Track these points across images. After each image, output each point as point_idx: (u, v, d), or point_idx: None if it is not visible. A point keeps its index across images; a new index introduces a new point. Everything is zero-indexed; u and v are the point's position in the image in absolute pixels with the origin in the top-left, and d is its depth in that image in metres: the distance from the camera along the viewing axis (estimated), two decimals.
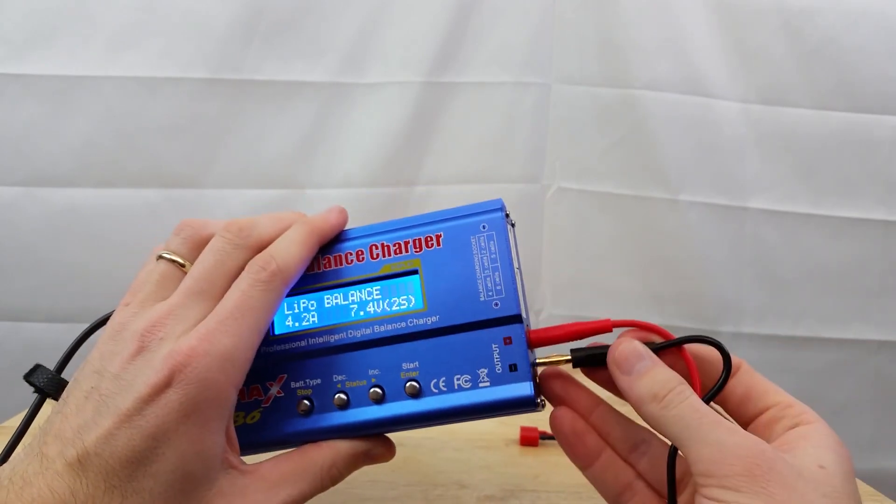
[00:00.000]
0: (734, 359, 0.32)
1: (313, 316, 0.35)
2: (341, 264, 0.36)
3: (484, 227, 0.36)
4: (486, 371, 0.33)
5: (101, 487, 0.26)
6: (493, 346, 0.34)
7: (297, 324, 0.35)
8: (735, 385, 0.32)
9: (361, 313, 0.35)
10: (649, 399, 0.30)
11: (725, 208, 0.78)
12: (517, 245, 0.37)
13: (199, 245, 0.32)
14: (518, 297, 0.34)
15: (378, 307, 0.35)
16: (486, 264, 0.35)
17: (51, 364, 0.35)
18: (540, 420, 0.55)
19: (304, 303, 0.36)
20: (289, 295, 0.35)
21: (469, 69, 0.76)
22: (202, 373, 0.28)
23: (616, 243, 0.80)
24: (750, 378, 0.32)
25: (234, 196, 0.76)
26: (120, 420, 0.27)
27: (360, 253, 0.36)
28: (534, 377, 0.34)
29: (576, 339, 0.35)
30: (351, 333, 0.35)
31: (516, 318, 0.34)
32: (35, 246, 0.75)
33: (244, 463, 0.31)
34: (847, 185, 0.77)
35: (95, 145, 0.74)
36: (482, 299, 0.34)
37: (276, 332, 0.35)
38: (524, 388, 0.33)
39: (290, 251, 0.33)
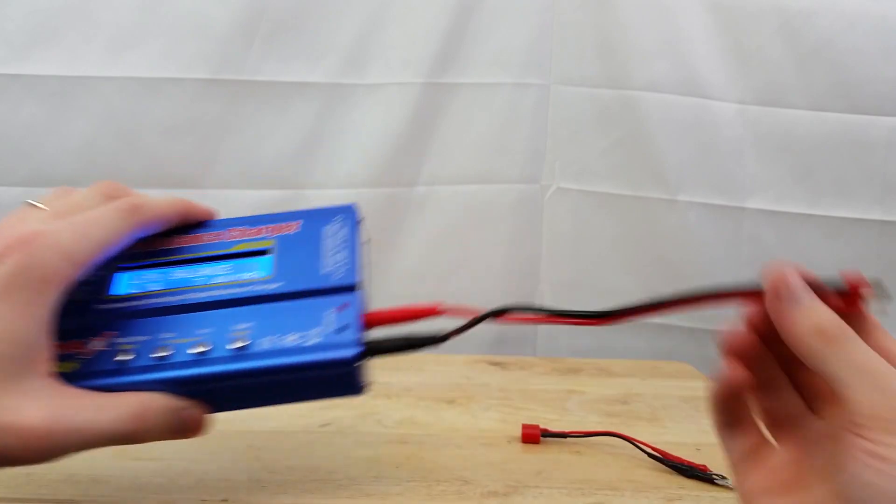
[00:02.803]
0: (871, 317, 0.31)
1: (158, 284, 0.36)
2: (197, 242, 0.38)
3: (338, 220, 0.39)
4: (316, 331, 0.34)
5: None
6: (329, 310, 0.35)
7: (138, 289, 0.36)
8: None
9: (204, 280, 0.36)
10: (814, 333, 0.29)
11: (723, 208, 0.78)
12: (368, 256, 0.40)
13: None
14: (358, 273, 0.37)
15: (224, 277, 0.37)
16: (333, 246, 0.38)
17: None
18: (540, 419, 0.56)
19: (151, 276, 0.37)
20: (138, 268, 0.37)
21: (469, 70, 0.77)
22: (37, 252, 0.30)
23: (615, 243, 0.81)
24: (889, 343, 0.31)
25: (234, 196, 0.76)
26: None
27: (217, 235, 0.39)
28: (363, 347, 0.34)
29: (408, 321, 0.37)
30: (191, 296, 0.36)
31: (353, 288, 0.36)
32: None
33: (58, 377, 0.31)
34: (844, 186, 0.77)
35: (96, 146, 0.74)
36: (324, 272, 0.37)
37: (116, 292, 0.36)
38: (349, 350, 0.34)
39: (155, 201, 0.36)
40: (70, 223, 0.32)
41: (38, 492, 0.40)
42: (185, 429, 0.33)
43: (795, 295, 0.31)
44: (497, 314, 0.35)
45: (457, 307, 0.36)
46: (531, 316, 0.35)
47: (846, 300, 0.31)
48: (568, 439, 0.53)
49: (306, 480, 0.44)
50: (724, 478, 0.48)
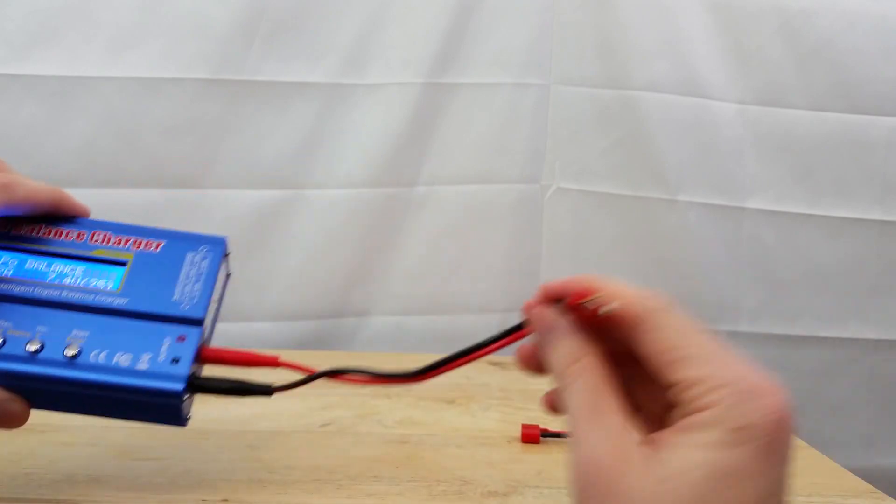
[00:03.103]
0: (631, 310, 0.27)
1: (9, 269, 0.36)
2: (59, 236, 0.38)
3: (203, 250, 0.39)
4: (149, 357, 0.35)
5: None
6: (167, 338, 0.35)
7: None
8: (643, 351, 0.27)
9: (55, 278, 0.36)
10: (556, 375, 0.29)
11: (723, 208, 0.78)
12: (224, 289, 0.40)
13: None
14: (206, 308, 0.37)
15: (75, 278, 0.37)
16: (190, 275, 0.38)
17: None
18: (540, 419, 0.56)
19: (5, 258, 0.37)
20: None
21: (469, 70, 0.77)
22: None
23: (615, 243, 0.81)
24: (659, 343, 0.27)
25: (234, 196, 0.76)
26: None
27: (81, 234, 0.38)
28: (190, 382, 0.35)
29: (244, 366, 0.37)
30: (38, 290, 0.36)
31: (197, 322, 0.36)
32: None
33: None
34: (844, 186, 0.77)
35: (96, 146, 0.73)
36: (174, 299, 0.37)
37: None
38: (176, 383, 0.34)
39: (29, 184, 0.36)
40: None
41: (38, 492, 0.40)
42: (5, 421, 0.34)
43: (543, 335, 0.30)
44: (330, 374, 0.36)
45: (294, 363, 0.37)
46: (360, 378, 0.36)
47: (583, 312, 0.29)
48: (568, 439, 0.53)
49: (306, 480, 0.44)
50: None
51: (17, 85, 0.72)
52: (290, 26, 0.74)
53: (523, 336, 0.32)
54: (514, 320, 0.33)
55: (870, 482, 0.50)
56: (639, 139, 0.78)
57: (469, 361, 0.34)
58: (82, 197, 0.73)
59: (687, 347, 0.26)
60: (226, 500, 0.41)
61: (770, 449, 0.23)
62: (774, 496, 0.24)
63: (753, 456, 0.23)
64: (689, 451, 0.24)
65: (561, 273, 0.81)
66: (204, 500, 0.41)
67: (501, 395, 0.63)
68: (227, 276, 0.41)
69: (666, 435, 0.25)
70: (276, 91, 0.75)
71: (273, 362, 0.37)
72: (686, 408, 0.25)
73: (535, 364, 0.32)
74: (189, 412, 0.36)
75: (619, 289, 0.28)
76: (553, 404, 0.31)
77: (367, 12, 0.75)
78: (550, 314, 0.30)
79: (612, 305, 0.28)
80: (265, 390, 0.37)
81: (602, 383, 0.27)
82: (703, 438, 0.24)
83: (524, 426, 0.54)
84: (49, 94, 0.72)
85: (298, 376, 0.37)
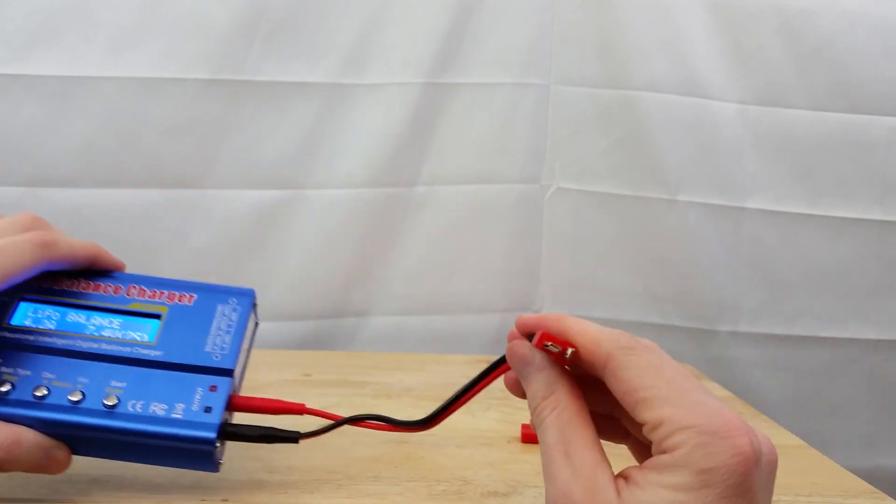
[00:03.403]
0: (596, 351, 0.28)
1: (52, 322, 0.38)
2: (98, 290, 0.40)
3: (232, 302, 0.41)
4: (182, 407, 0.36)
5: None
6: (199, 388, 0.37)
7: (33, 323, 0.38)
8: (612, 390, 0.28)
9: (94, 331, 0.38)
10: (531, 409, 0.30)
11: (723, 208, 0.78)
12: (253, 339, 0.43)
13: None
14: (236, 359, 0.39)
15: (113, 331, 0.39)
16: (221, 327, 0.40)
17: None
18: None
19: (48, 312, 0.39)
20: (39, 301, 0.39)
21: (469, 70, 0.77)
22: None
23: (615, 243, 0.81)
24: (625, 384, 0.27)
25: (234, 196, 0.76)
26: None
27: (118, 288, 0.40)
28: (222, 430, 0.37)
29: (272, 413, 0.39)
30: (78, 343, 0.38)
31: (228, 373, 0.38)
32: None
33: None
34: (844, 186, 0.77)
35: (96, 146, 0.73)
36: (206, 350, 0.39)
37: (11, 322, 0.38)
38: (208, 432, 0.36)
39: (69, 241, 0.38)
40: None
41: (38, 492, 0.40)
42: (50, 467, 0.36)
43: (517, 369, 0.31)
44: (352, 421, 0.39)
45: (319, 411, 0.40)
46: (378, 425, 0.39)
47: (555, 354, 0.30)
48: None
49: (306, 480, 0.44)
50: None
51: (17, 85, 0.72)
52: (290, 26, 0.74)
53: (509, 368, 0.33)
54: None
55: (870, 482, 0.50)
56: (639, 139, 0.78)
57: (467, 400, 0.37)
58: (82, 197, 0.74)
59: (652, 388, 0.26)
60: (226, 500, 0.41)
61: (736, 491, 0.24)
62: None
63: (719, 498, 0.24)
64: (659, 490, 0.24)
65: (561, 273, 0.82)
66: (204, 501, 0.41)
67: (501, 395, 0.62)
68: (256, 325, 0.43)
69: (638, 472, 0.26)
70: (276, 91, 0.75)
71: (300, 410, 0.39)
72: (655, 447, 0.25)
73: (522, 391, 0.32)
74: (222, 458, 0.38)
75: (585, 329, 0.29)
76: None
77: (367, 12, 0.75)
78: (524, 348, 0.31)
79: (568, 352, 0.29)
80: (292, 437, 0.39)
81: (575, 417, 0.28)
82: (670, 480, 0.24)
83: (524, 426, 0.54)
84: (49, 94, 0.72)
85: (324, 423, 0.39)
